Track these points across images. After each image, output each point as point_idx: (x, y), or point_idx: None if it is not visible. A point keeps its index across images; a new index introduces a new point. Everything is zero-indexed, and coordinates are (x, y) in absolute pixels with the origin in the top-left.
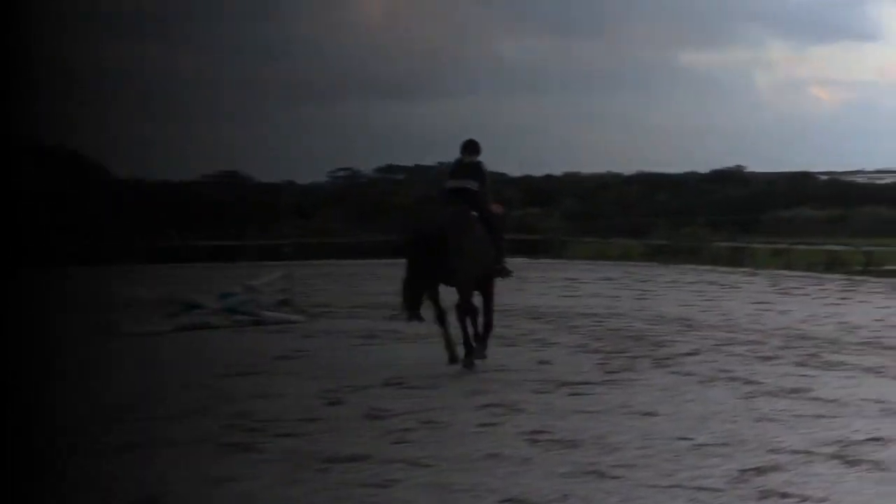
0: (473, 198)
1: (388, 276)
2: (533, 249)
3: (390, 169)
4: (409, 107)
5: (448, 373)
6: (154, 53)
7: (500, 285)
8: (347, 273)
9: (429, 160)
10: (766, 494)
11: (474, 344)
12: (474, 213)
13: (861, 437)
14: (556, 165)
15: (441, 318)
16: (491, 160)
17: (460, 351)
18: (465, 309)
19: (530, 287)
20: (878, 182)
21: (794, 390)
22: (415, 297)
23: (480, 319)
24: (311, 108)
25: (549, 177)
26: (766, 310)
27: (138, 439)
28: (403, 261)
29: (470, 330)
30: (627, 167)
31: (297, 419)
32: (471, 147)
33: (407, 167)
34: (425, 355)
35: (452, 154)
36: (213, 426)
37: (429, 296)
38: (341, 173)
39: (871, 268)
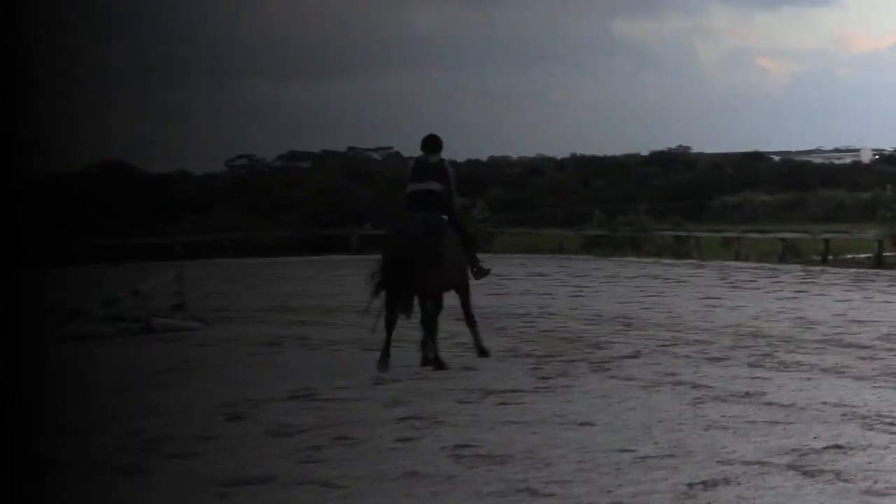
0: (439, 201)
1: (295, 275)
2: None
3: (293, 156)
4: (313, 86)
5: (362, 383)
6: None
7: None
8: (248, 273)
9: (337, 145)
10: None
11: (430, 354)
12: (444, 217)
13: (820, 444)
14: (482, 149)
15: (392, 325)
16: (406, 145)
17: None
18: (430, 322)
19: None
20: (837, 162)
21: (747, 394)
22: (400, 302)
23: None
24: (206, 91)
25: (473, 162)
26: (715, 306)
27: (18, 462)
28: (379, 271)
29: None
30: (560, 150)
31: (192, 437)
32: (432, 144)
33: (312, 153)
34: (336, 363)
35: (362, 138)
36: (100, 447)
37: (396, 303)
38: (239, 161)
39: (829, 257)
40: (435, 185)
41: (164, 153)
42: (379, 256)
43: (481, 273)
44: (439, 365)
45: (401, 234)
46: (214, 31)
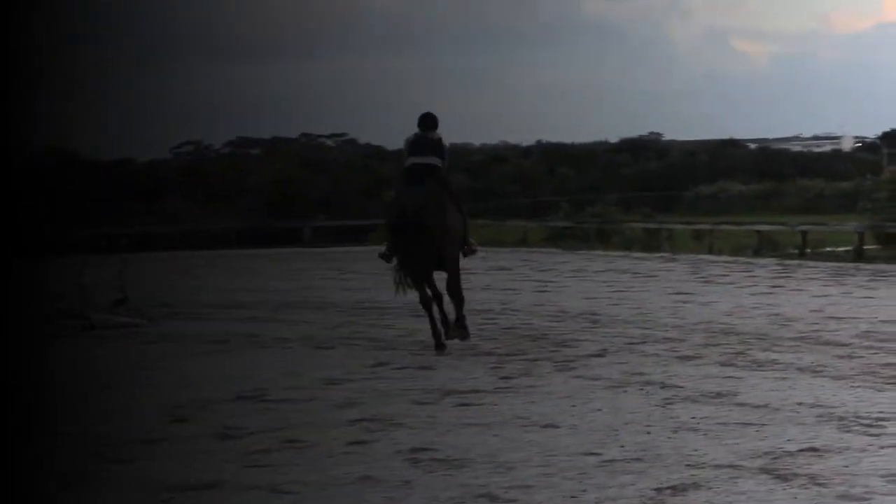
0: (438, 174)
1: (244, 268)
2: None
3: (243, 142)
4: (263, 70)
5: (314, 383)
6: None
7: (364, 280)
8: (196, 266)
9: (288, 131)
10: None
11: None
12: (445, 191)
13: (794, 447)
14: (442, 135)
15: (428, 303)
16: (363, 131)
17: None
18: (454, 290)
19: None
20: (816, 150)
21: (718, 395)
22: (417, 275)
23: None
24: (146, 73)
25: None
26: (687, 301)
27: None
28: (391, 247)
29: (437, 315)
30: (525, 137)
31: (135, 441)
32: (430, 121)
33: (263, 140)
34: (287, 362)
35: (315, 124)
36: (37, 451)
37: (423, 279)
38: (185, 148)
39: (807, 250)
40: (434, 160)
41: (104, 139)
42: (390, 219)
43: (471, 251)
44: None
45: (408, 196)
46: (153, 9)
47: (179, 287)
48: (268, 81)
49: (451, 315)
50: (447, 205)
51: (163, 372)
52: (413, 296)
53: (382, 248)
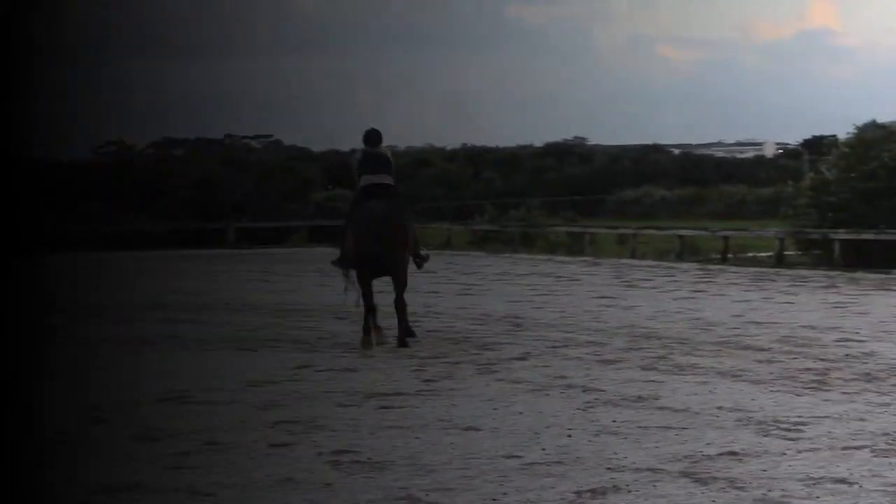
0: (392, 192)
1: (167, 269)
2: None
3: (167, 143)
4: (189, 68)
5: (235, 384)
6: None
7: (287, 282)
8: (118, 267)
9: (214, 132)
10: None
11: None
12: (400, 206)
13: (714, 451)
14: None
15: (370, 304)
16: (288, 133)
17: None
18: (401, 300)
19: (334, 283)
20: (739, 156)
21: (639, 398)
22: (367, 289)
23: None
24: (71, 70)
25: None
26: (609, 305)
27: None
28: (347, 253)
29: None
30: (449, 140)
31: (54, 442)
32: (375, 137)
33: (187, 140)
34: (209, 364)
35: (240, 125)
36: None
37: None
38: (108, 148)
39: (729, 255)
40: (387, 179)
41: (18, 136)
42: (351, 235)
43: (424, 261)
44: (409, 333)
45: (370, 207)
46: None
47: (102, 288)
48: (192, 81)
49: (384, 323)
50: (407, 217)
51: (83, 373)
52: (350, 300)
53: (336, 256)
